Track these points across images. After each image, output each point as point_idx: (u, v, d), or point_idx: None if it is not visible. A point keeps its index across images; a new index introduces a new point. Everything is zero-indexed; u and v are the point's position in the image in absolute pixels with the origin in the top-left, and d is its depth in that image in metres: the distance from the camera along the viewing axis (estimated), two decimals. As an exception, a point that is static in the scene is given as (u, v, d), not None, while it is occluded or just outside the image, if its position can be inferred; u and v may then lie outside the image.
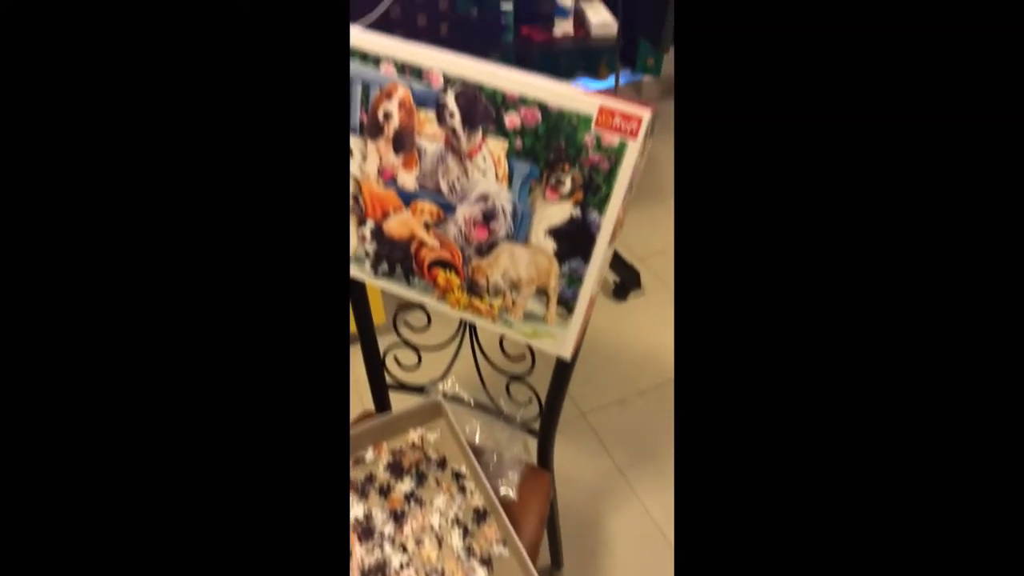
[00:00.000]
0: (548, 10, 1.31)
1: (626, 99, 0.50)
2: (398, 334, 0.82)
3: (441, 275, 0.64)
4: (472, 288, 0.63)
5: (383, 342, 0.84)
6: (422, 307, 0.77)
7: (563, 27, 1.28)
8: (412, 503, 0.73)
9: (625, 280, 1.61)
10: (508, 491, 0.75)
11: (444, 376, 0.83)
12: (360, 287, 0.78)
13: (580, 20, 1.34)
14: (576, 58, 2.30)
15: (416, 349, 0.81)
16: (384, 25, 1.67)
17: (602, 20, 1.29)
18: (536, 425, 0.79)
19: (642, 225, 1.81)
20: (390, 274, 0.66)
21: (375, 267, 0.66)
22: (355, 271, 0.67)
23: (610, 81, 2.47)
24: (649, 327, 1.56)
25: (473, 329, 0.78)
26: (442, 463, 0.77)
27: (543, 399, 0.76)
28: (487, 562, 0.67)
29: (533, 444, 0.81)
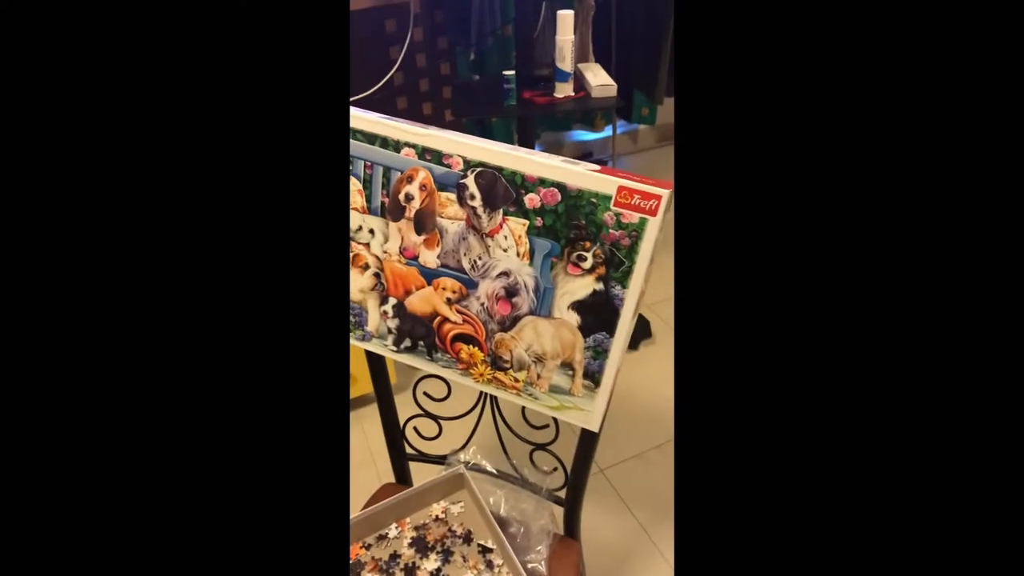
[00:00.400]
0: (549, 74, 1.35)
1: (643, 179, 0.51)
2: (418, 404, 0.81)
3: (464, 350, 0.64)
4: (496, 362, 0.63)
5: (399, 407, 0.83)
6: (442, 377, 0.77)
7: (564, 90, 1.33)
8: (439, 583, 0.71)
9: (635, 330, 1.61)
10: (537, 565, 0.73)
11: (465, 446, 0.82)
12: (379, 360, 0.78)
13: (580, 82, 1.38)
14: (573, 112, 2.37)
15: (436, 419, 0.81)
16: (388, 91, 1.73)
17: (602, 81, 1.34)
18: (562, 493, 0.78)
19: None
20: (412, 349, 0.66)
21: (397, 343, 0.67)
22: (377, 347, 0.68)
23: (607, 131, 2.54)
24: (662, 377, 1.55)
25: (494, 398, 0.78)
26: (467, 538, 0.75)
27: (569, 468, 0.75)
28: (520, 645, 0.65)
29: (559, 512, 0.79)
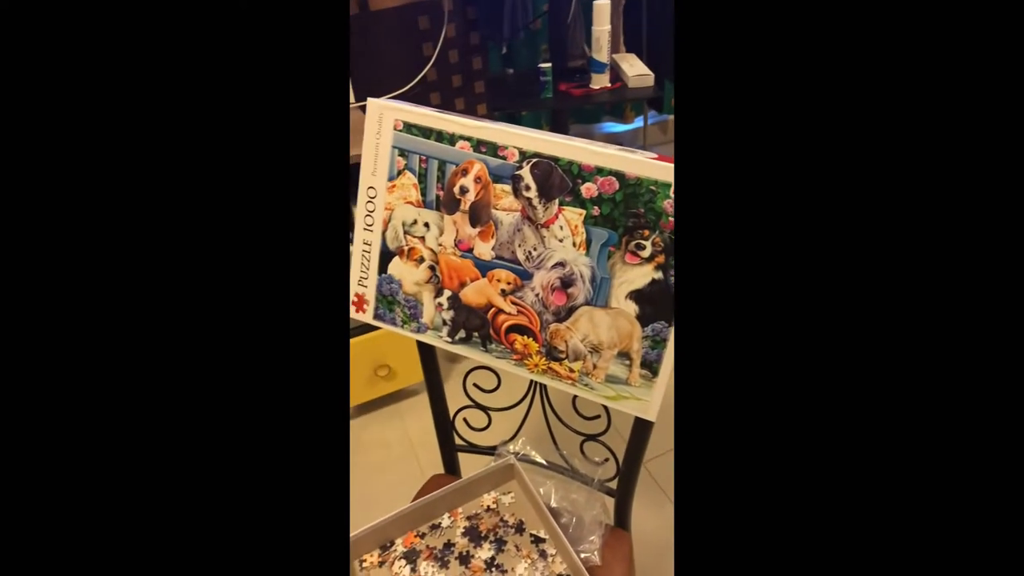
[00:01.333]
0: (583, 66, 1.35)
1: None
2: (468, 396, 0.82)
3: (519, 340, 0.64)
4: (551, 352, 0.63)
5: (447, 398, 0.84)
6: (491, 369, 0.77)
7: (600, 81, 1.32)
8: (494, 571, 0.71)
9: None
10: (591, 556, 0.73)
11: (514, 437, 0.83)
12: (430, 353, 0.79)
13: (616, 73, 1.37)
14: (603, 104, 2.35)
15: (486, 410, 0.82)
16: (422, 87, 1.75)
17: (638, 71, 1.32)
18: (613, 484, 0.78)
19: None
20: (467, 340, 0.67)
21: (452, 334, 0.67)
22: (432, 339, 0.69)
23: (637, 123, 2.51)
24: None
25: (544, 389, 0.78)
26: (520, 528, 0.76)
27: (620, 459, 0.75)
28: (577, 634, 0.65)
29: (611, 504, 0.79)
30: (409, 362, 1.49)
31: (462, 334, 0.67)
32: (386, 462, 1.43)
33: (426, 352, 0.79)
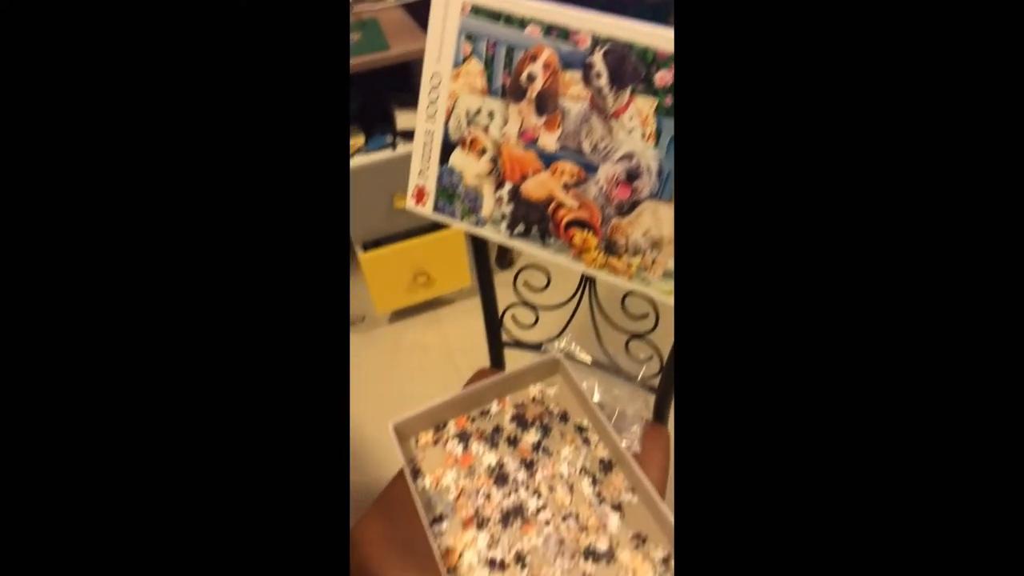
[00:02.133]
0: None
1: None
2: (517, 294, 0.85)
3: (578, 235, 0.65)
4: (610, 247, 0.64)
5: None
6: (542, 268, 0.79)
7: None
8: (540, 452, 0.77)
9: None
10: (631, 444, 0.77)
11: (561, 334, 0.86)
12: (482, 252, 0.81)
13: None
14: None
15: (535, 308, 0.84)
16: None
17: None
18: (654, 382, 0.81)
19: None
20: (525, 235, 0.69)
21: (511, 228, 0.69)
22: (490, 233, 0.70)
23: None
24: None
25: (593, 289, 0.80)
26: (564, 417, 0.81)
27: (664, 356, 0.78)
28: (618, 507, 0.71)
29: (651, 401, 0.83)
30: (447, 270, 1.52)
31: (521, 228, 0.68)
32: (424, 364, 1.50)
33: (479, 251, 0.81)
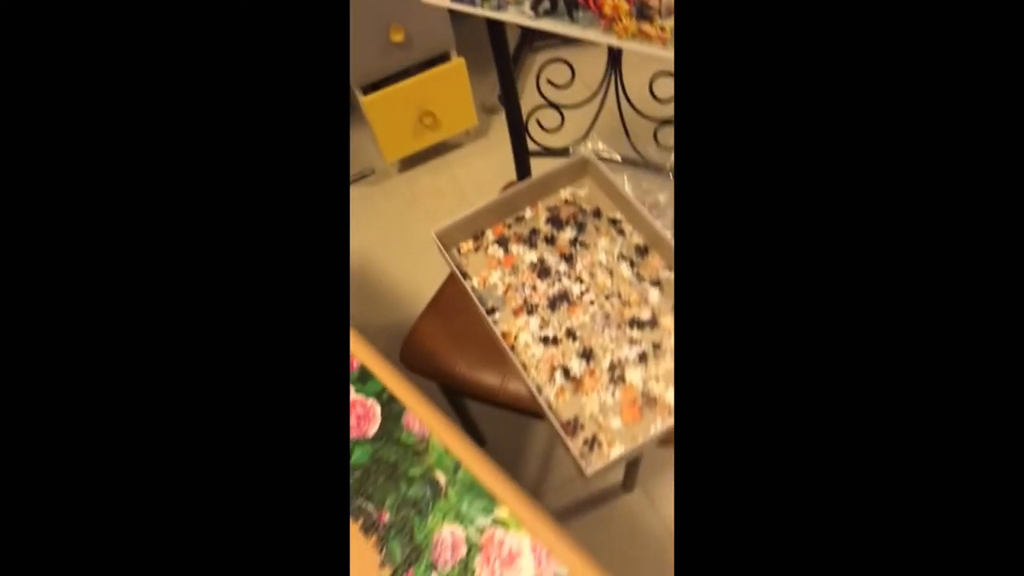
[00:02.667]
0: None
1: None
2: (541, 95, 0.83)
3: (607, 3, 0.62)
4: (642, 12, 0.62)
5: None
6: (565, 61, 0.77)
7: None
8: (578, 247, 0.80)
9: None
10: (664, 230, 0.80)
11: (588, 132, 0.86)
12: (499, 32, 0.78)
13: None
14: None
15: (559, 108, 0.83)
16: None
17: None
18: (683, 170, 0.82)
19: None
20: (552, 11, 0.65)
21: (535, 7, 0.65)
22: (513, 16, 0.67)
23: None
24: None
25: (619, 78, 0.78)
26: (597, 213, 0.83)
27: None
28: (657, 283, 0.76)
29: (680, 189, 0.85)
30: (452, 109, 1.48)
31: (546, 5, 0.65)
32: (441, 208, 1.51)
33: (496, 33, 0.77)
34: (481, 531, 0.44)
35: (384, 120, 1.42)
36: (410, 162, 1.62)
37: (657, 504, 1.03)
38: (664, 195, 0.81)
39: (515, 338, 0.74)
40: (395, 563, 0.44)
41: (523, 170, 0.94)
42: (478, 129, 1.62)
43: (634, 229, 0.80)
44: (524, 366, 0.70)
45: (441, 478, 0.47)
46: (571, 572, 0.40)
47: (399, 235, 1.48)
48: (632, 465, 0.99)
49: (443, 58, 1.42)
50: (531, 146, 0.90)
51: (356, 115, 1.66)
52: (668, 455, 1.06)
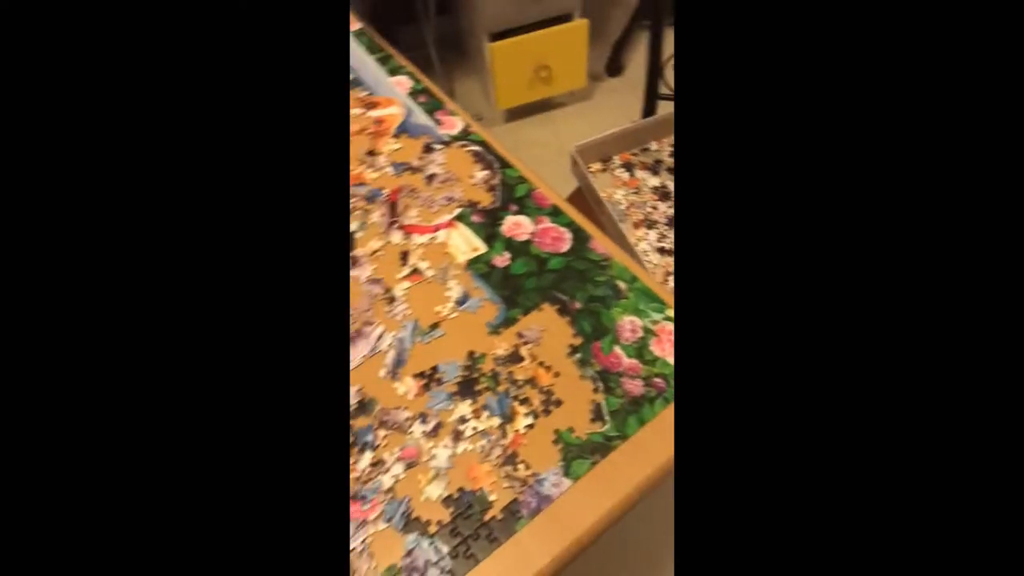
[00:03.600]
0: None
1: None
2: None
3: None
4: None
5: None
6: None
7: None
8: (697, 179, 0.89)
9: None
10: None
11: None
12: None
13: None
14: None
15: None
16: None
17: None
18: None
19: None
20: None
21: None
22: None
23: None
24: None
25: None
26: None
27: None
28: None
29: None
30: (567, 66, 1.58)
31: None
32: (544, 158, 1.62)
33: None
34: (655, 323, 0.55)
35: (506, 67, 1.53)
36: (516, 113, 1.73)
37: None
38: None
39: (635, 245, 0.84)
40: (586, 335, 0.55)
41: (650, 110, 1.03)
42: (584, 92, 1.71)
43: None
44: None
45: (622, 285, 0.58)
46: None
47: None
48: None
49: (566, 18, 1.52)
50: (662, 90, 0.99)
51: (469, 63, 1.78)
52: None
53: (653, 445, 0.49)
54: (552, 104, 1.73)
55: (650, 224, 0.85)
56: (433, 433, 0.51)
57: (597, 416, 0.50)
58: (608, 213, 0.84)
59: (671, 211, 0.86)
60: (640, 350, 0.54)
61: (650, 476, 0.47)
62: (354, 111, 0.79)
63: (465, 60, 1.87)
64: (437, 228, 0.65)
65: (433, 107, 0.78)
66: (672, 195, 0.87)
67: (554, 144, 1.65)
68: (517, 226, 0.64)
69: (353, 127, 0.77)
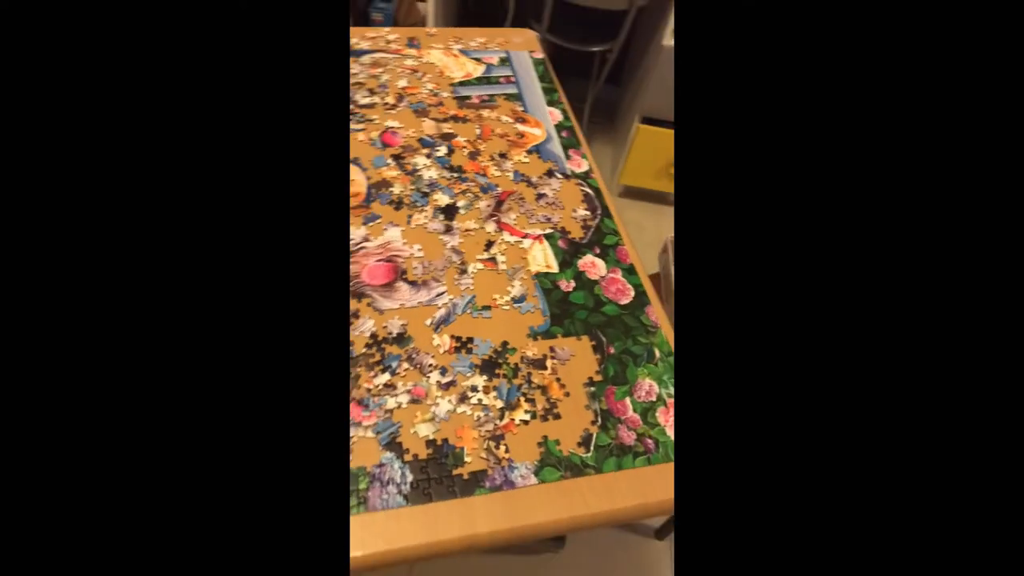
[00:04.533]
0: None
1: None
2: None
3: None
4: None
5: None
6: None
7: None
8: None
9: None
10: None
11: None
12: None
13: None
14: None
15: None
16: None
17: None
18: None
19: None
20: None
21: None
22: None
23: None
24: None
25: None
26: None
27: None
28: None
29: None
30: (694, 174, 1.66)
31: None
32: (637, 239, 1.69)
33: None
34: (670, 396, 0.59)
35: (643, 149, 1.64)
36: (631, 193, 1.82)
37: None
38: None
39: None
40: (607, 376, 0.61)
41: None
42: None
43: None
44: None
45: (657, 353, 0.63)
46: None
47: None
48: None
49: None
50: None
51: (611, 134, 1.90)
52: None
53: (619, 490, 0.52)
54: (665, 199, 1.82)
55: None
56: (445, 387, 0.57)
57: (584, 443, 0.55)
58: (675, 304, 0.89)
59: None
60: (647, 411, 0.58)
61: (607, 512, 0.51)
62: (504, 118, 0.89)
63: (609, 130, 2.00)
64: (526, 236, 0.72)
65: (570, 144, 0.87)
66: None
67: (651, 233, 1.72)
68: (592, 265, 0.70)
69: (498, 130, 0.87)
